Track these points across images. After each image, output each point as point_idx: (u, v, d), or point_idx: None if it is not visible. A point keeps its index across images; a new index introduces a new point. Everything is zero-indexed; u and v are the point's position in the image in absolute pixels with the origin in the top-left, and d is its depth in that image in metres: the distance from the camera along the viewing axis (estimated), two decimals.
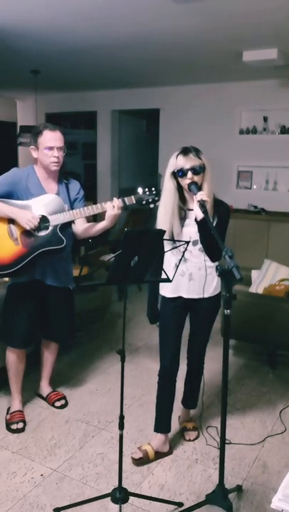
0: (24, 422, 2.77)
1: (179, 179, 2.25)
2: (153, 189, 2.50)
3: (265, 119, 6.10)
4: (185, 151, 2.23)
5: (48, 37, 4.16)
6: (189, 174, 2.21)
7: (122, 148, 7.69)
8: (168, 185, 2.29)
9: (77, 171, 9.05)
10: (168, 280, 2.07)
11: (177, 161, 2.23)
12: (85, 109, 7.53)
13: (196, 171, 2.21)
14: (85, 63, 5.22)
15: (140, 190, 2.50)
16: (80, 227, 2.71)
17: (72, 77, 6.11)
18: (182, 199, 2.33)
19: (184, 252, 2.25)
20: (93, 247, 5.25)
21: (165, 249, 2.22)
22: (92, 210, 2.53)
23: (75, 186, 2.76)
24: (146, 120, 8.30)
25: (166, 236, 2.25)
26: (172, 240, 2.27)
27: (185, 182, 2.23)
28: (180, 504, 2.17)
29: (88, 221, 2.75)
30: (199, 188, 2.20)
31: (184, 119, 6.59)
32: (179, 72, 5.67)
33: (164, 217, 2.31)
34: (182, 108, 6.59)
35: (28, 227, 2.49)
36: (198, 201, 2.11)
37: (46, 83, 6.36)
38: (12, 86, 7.01)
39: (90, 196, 7.58)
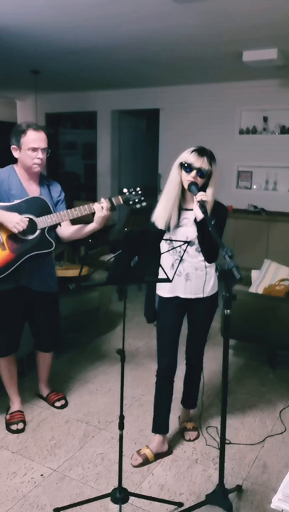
0: (24, 422, 2.77)
1: (183, 173, 2.24)
2: (138, 189, 2.47)
3: (265, 119, 6.09)
4: (201, 151, 2.23)
5: (48, 37, 4.16)
6: (193, 173, 2.21)
7: (122, 148, 7.69)
8: (174, 175, 2.29)
9: (77, 171, 9.05)
10: (168, 280, 2.07)
11: (190, 156, 2.22)
12: (85, 109, 7.53)
13: (202, 173, 2.21)
14: (85, 63, 5.21)
15: (125, 190, 2.48)
16: (65, 230, 2.63)
17: (72, 77, 6.11)
18: (183, 197, 2.33)
19: (183, 253, 2.25)
20: (93, 247, 5.24)
21: (164, 250, 2.22)
22: (80, 211, 2.46)
23: (56, 188, 2.69)
24: (146, 120, 8.30)
25: (161, 226, 2.25)
26: (171, 240, 2.27)
27: (187, 179, 2.22)
28: (180, 504, 2.17)
29: (87, 222, 2.72)
30: (199, 189, 2.20)
31: (184, 119, 6.59)
32: (179, 72, 5.67)
33: (165, 206, 2.30)
34: (182, 108, 6.58)
35: (16, 231, 2.38)
36: (198, 201, 2.12)
37: (46, 83, 6.36)
38: (12, 86, 7.01)
39: (90, 196, 7.58)
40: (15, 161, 2.59)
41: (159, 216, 2.31)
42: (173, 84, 6.46)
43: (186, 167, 2.22)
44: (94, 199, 6.46)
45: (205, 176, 2.22)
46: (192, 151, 2.23)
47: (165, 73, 5.75)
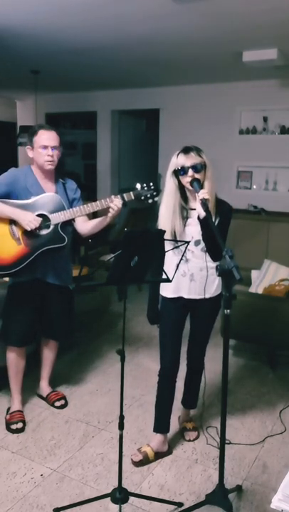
0: (24, 422, 2.77)
1: (180, 177, 2.25)
2: (151, 184, 2.53)
3: (265, 119, 6.09)
4: (186, 150, 2.24)
5: (48, 37, 4.16)
6: (190, 172, 2.21)
7: (122, 148, 7.69)
8: (169, 185, 2.29)
9: (77, 171, 9.05)
10: (168, 280, 2.07)
11: (178, 160, 2.23)
12: (85, 109, 7.53)
13: (196, 168, 2.21)
14: (85, 63, 5.21)
15: (138, 185, 2.54)
16: (84, 225, 2.73)
17: (72, 77, 6.11)
18: (184, 198, 2.33)
19: (184, 252, 2.25)
20: (93, 247, 5.24)
21: (166, 249, 2.22)
22: (92, 207, 2.56)
23: (72, 186, 2.79)
24: (146, 120, 8.30)
25: (168, 236, 2.25)
26: (173, 239, 2.27)
27: (186, 180, 2.22)
28: (180, 504, 2.17)
29: (88, 218, 2.76)
30: (201, 186, 2.20)
31: (184, 119, 6.59)
32: (179, 72, 5.67)
33: (167, 217, 2.30)
34: (182, 108, 6.59)
35: (29, 229, 2.52)
36: (201, 199, 2.11)
37: (46, 83, 6.36)
38: (12, 86, 7.01)
39: (90, 196, 7.58)
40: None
41: (164, 227, 2.29)
42: (173, 84, 6.46)
43: (180, 170, 2.22)
44: (94, 199, 6.48)
45: (201, 169, 2.22)
46: (178, 155, 2.25)
47: (165, 73, 5.75)
